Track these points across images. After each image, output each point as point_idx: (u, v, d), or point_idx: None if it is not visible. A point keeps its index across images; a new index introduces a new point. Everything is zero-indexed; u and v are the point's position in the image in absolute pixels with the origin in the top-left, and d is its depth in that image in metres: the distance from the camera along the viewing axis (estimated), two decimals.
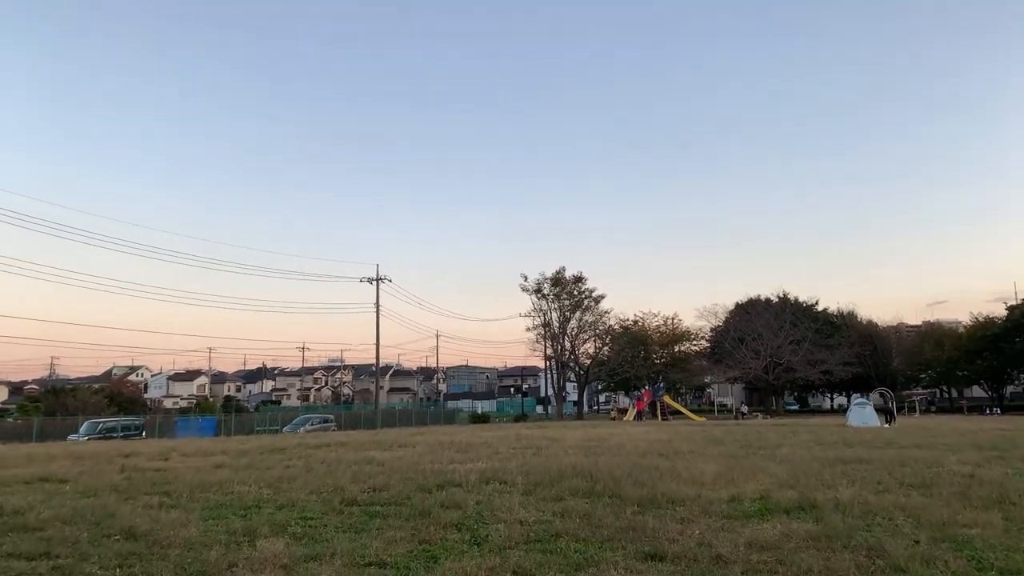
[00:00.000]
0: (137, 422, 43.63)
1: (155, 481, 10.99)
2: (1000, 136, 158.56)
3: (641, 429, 30.38)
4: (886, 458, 13.00)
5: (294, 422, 50.50)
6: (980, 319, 75.31)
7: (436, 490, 9.37)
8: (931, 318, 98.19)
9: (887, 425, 34.14)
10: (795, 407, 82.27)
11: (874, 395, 58.11)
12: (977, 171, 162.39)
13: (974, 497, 8.20)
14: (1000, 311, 73.83)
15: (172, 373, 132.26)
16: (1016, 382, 75.94)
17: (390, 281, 60.84)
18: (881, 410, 37.46)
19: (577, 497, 8.65)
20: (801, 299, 72.64)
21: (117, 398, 78.27)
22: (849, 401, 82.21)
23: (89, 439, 38.21)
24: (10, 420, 61.82)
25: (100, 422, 41.33)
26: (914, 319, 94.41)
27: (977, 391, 76.85)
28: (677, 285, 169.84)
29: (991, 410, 61.80)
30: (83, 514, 7.73)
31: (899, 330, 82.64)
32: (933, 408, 69.08)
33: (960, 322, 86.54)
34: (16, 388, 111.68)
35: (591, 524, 7.01)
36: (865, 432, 24.79)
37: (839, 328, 69.39)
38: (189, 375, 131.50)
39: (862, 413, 35.29)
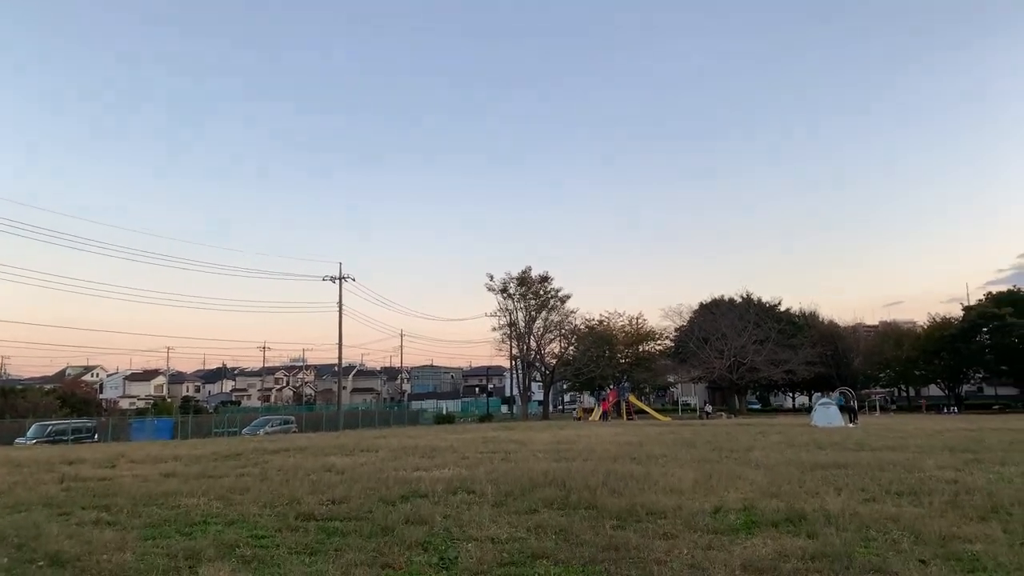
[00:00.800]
0: (89, 424, 42.15)
1: (96, 493, 10.21)
2: (955, 140, 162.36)
3: (609, 430, 30.01)
4: (863, 462, 12.69)
5: (253, 424, 49.27)
6: (937, 320, 76.77)
7: (400, 502, 8.76)
8: (888, 318, 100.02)
9: (851, 424, 34.30)
10: (757, 406, 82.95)
11: (836, 394, 58.89)
12: (932, 175, 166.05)
13: (966, 507, 7.83)
14: (955, 312, 75.38)
15: (129, 373, 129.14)
16: (971, 381, 77.54)
17: (353, 280, 59.87)
18: (844, 409, 37.68)
19: (551, 509, 8.10)
20: (764, 299, 73.23)
21: (70, 399, 75.70)
22: (811, 400, 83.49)
23: (37, 442, 36.77)
24: None
25: (49, 424, 39.78)
26: (871, 319, 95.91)
27: (934, 390, 78.27)
28: (642, 286, 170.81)
29: (948, 409, 62.86)
30: (5, 535, 6.98)
31: (857, 330, 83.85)
32: (893, 407, 70.07)
33: (916, 322, 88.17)
34: None
35: (569, 542, 6.46)
36: (832, 433, 24.73)
37: (801, 328, 70.06)
38: (146, 375, 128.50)
39: (826, 413, 35.41)
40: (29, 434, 37.97)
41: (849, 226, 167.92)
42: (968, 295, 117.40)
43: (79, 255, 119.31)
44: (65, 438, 38.07)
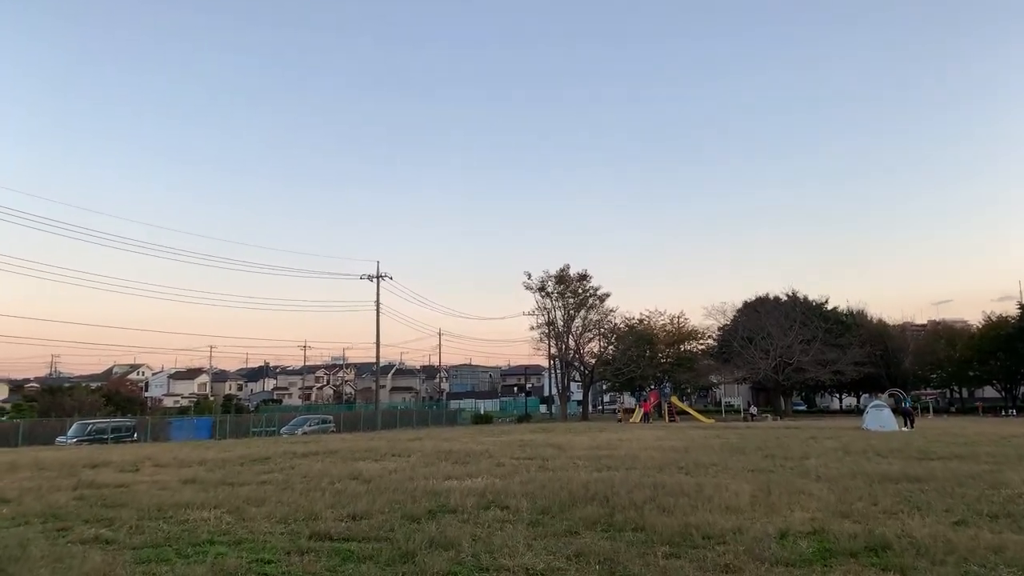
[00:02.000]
0: (129, 424, 42.20)
1: (106, 502, 9.60)
2: (1002, 134, 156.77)
3: (651, 433, 28.94)
4: (936, 474, 11.54)
5: (291, 423, 49.05)
6: (993, 318, 73.73)
7: (426, 519, 7.95)
8: (936, 317, 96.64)
9: (905, 428, 32.72)
10: (803, 408, 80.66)
11: (886, 396, 56.82)
12: (980, 169, 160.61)
13: None
14: (1010, 310, 72.29)
15: (173, 372, 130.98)
16: None
17: (391, 279, 59.33)
18: (900, 412, 36.02)
19: (594, 531, 7.21)
20: (811, 297, 71.02)
21: (115, 397, 76.75)
22: (859, 402, 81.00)
23: (78, 442, 36.88)
24: (2, 420, 60.51)
25: (90, 423, 39.89)
26: (919, 318, 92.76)
27: (988, 392, 75.28)
28: (683, 284, 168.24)
29: (1007, 411, 60.19)
30: None
31: (905, 329, 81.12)
32: (953, 408, 67.37)
33: (966, 321, 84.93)
34: (16, 386, 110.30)
35: (616, 574, 5.58)
36: (889, 438, 23.35)
37: (849, 327, 67.77)
38: (190, 373, 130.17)
39: (879, 416, 33.83)
40: (70, 433, 38.08)
41: (896, 223, 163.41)
42: (1021, 292, 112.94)
43: (127, 255, 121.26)
44: (105, 437, 38.11)
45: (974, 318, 77.95)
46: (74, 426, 39.13)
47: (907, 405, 39.02)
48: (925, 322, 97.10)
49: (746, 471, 12.76)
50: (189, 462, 15.77)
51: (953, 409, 66.82)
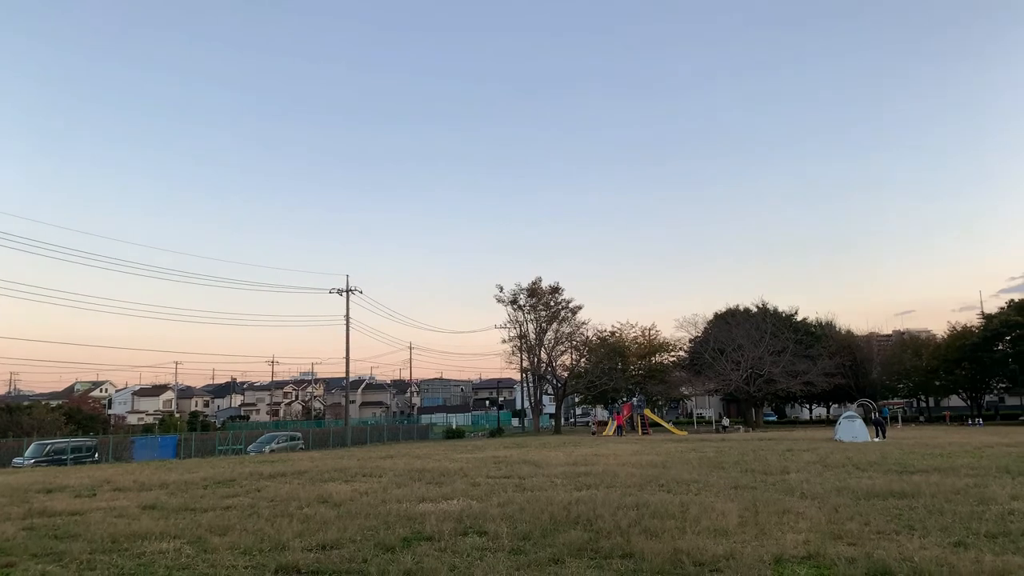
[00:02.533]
0: (89, 443, 40.73)
1: (58, 533, 8.99)
2: (967, 151, 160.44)
3: (626, 447, 28.64)
4: (921, 489, 11.32)
5: (259, 441, 47.81)
6: (958, 329, 74.87)
7: (401, 547, 7.49)
8: (900, 327, 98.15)
9: (877, 439, 32.80)
10: (773, 418, 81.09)
11: (855, 407, 57.22)
12: (943, 183, 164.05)
13: None
14: (970, 319, 73.56)
15: (137, 388, 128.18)
16: (993, 391, 75.50)
17: (360, 293, 58.53)
18: (871, 422, 36.13)
19: (580, 558, 6.82)
20: (781, 309, 71.48)
21: (76, 415, 74.42)
22: (829, 412, 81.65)
23: (35, 463, 35.54)
24: None
25: (48, 444, 38.43)
26: (884, 328, 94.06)
27: (954, 400, 76.29)
28: (654, 297, 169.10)
29: (973, 420, 60.94)
30: None
31: (871, 340, 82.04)
32: (921, 418, 68.00)
33: (930, 331, 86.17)
34: None
35: None
36: (865, 450, 23.28)
37: (819, 338, 68.24)
38: (155, 390, 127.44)
39: (851, 427, 33.92)
40: (27, 454, 36.61)
41: (859, 235, 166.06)
42: (982, 303, 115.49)
43: (87, 271, 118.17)
44: (64, 458, 36.76)
45: (937, 328, 79.37)
46: (32, 447, 37.67)
47: (884, 415, 39.26)
48: (890, 332, 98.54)
49: (728, 488, 12.47)
50: (150, 485, 15.08)
51: (922, 419, 67.49)
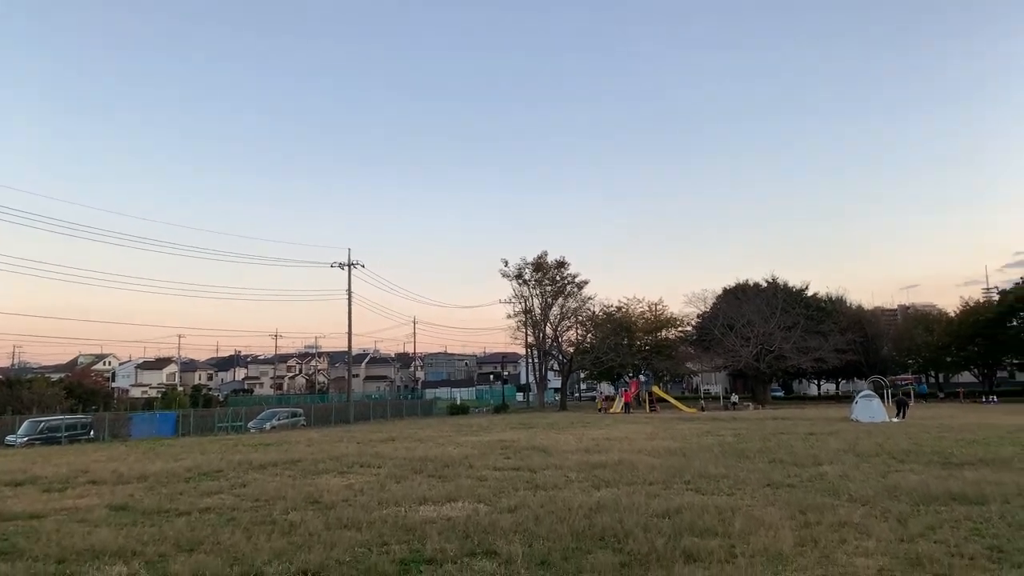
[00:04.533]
0: (85, 420, 39.68)
1: (3, 548, 7.78)
2: (971, 124, 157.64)
3: (638, 428, 27.51)
4: (984, 491, 10.02)
5: (260, 417, 46.86)
6: (971, 304, 73.47)
7: None
8: (905, 301, 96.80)
9: (896, 419, 31.59)
10: (780, 394, 79.91)
11: (867, 384, 55.96)
12: (948, 158, 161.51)
13: None
14: (975, 294, 72.15)
15: (141, 361, 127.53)
16: (1004, 367, 74.24)
17: (363, 266, 57.31)
18: (897, 403, 34.89)
19: None
20: (791, 284, 70.01)
21: (76, 390, 73.44)
22: (838, 388, 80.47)
23: (29, 441, 34.59)
24: None
25: (42, 421, 37.41)
26: (889, 303, 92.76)
27: (965, 377, 75.07)
28: (661, 272, 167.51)
29: (988, 398, 59.73)
30: None
31: (876, 315, 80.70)
32: (940, 395, 66.37)
33: (935, 305, 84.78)
34: None
35: None
36: (890, 433, 22.04)
37: (829, 314, 66.85)
38: (158, 363, 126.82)
39: (869, 407, 32.69)
40: (20, 432, 35.55)
41: (866, 209, 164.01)
42: (987, 277, 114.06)
43: (91, 245, 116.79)
44: (59, 436, 35.80)
45: (942, 302, 78.02)
46: (25, 424, 36.63)
47: (922, 391, 37.85)
48: (895, 307, 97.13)
49: (763, 486, 11.24)
50: (129, 477, 13.90)
51: (941, 395, 66.08)
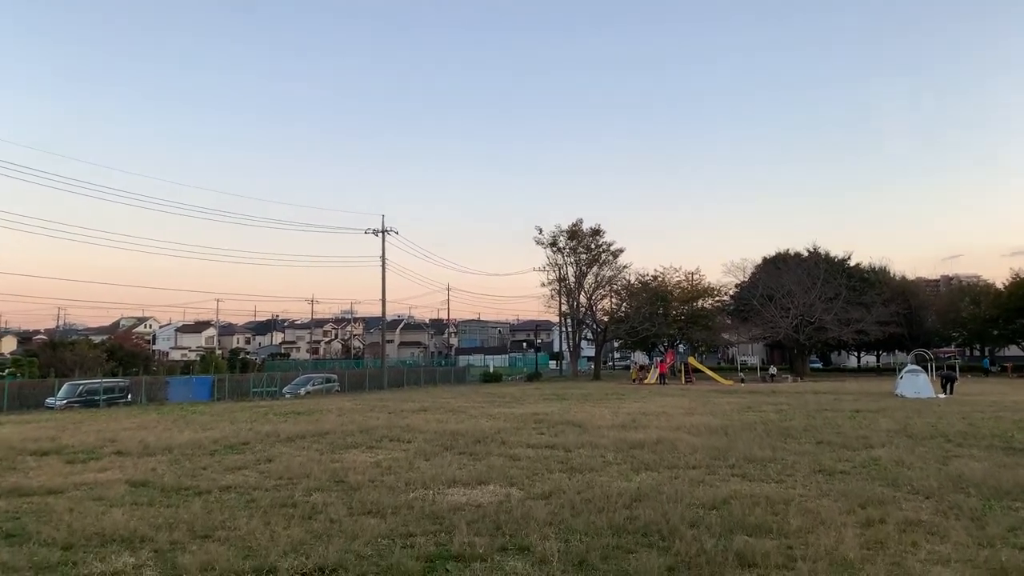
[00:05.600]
0: (123, 384, 40.11)
1: (11, 530, 7.42)
2: (1011, 87, 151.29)
3: (675, 402, 26.82)
4: None
5: (295, 382, 47.08)
6: (1022, 276, 71.01)
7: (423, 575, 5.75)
8: (948, 272, 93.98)
9: (942, 395, 30.44)
10: (818, 366, 78.31)
11: (912, 357, 54.41)
12: (989, 124, 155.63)
13: None
14: (1022, 264, 69.37)
15: (180, 325, 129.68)
16: None
17: (396, 233, 56.96)
18: (944, 378, 33.64)
19: None
20: (832, 254, 68.05)
21: (118, 352, 74.64)
22: (879, 360, 78.57)
23: (68, 403, 35.03)
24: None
25: (81, 384, 37.87)
26: (931, 274, 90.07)
27: (1012, 351, 72.68)
28: (699, 240, 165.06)
29: None
30: None
31: (921, 286, 78.31)
32: (996, 368, 63.62)
33: (980, 277, 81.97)
34: (24, 338, 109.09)
35: None
36: (943, 413, 21.00)
37: (872, 284, 64.92)
38: (197, 327, 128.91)
39: (915, 382, 31.50)
40: (60, 395, 36.01)
41: (907, 177, 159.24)
42: None
43: (134, 211, 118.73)
44: (97, 399, 36.21)
45: (987, 273, 75.48)
46: (65, 387, 37.09)
47: (983, 363, 36.18)
48: (938, 277, 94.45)
49: (814, 472, 10.53)
50: (155, 448, 13.64)
51: (996, 369, 63.58)
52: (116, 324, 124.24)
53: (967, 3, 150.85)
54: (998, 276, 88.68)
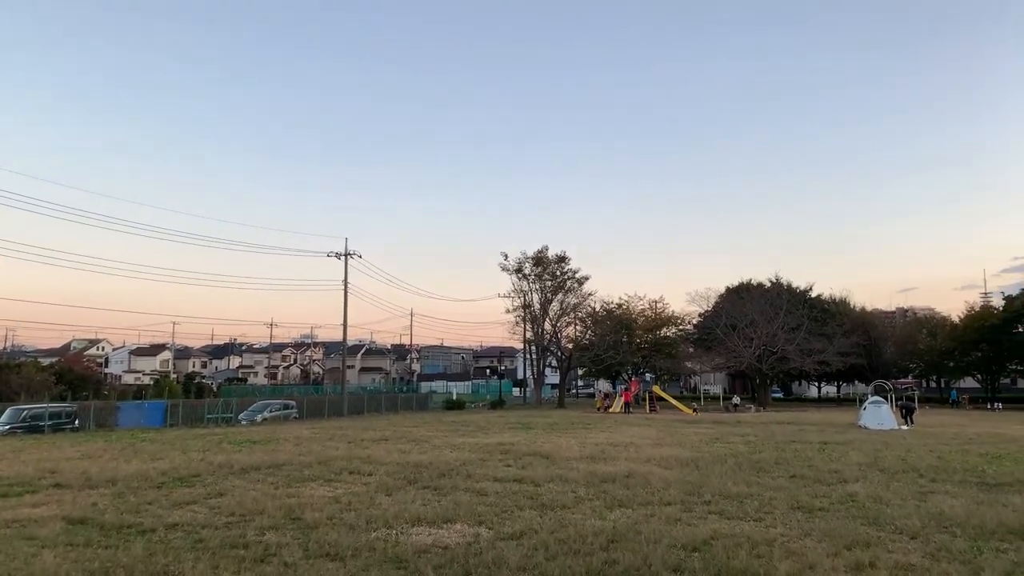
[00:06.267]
0: (69, 409, 38.45)
1: None
2: (968, 126, 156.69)
3: (642, 432, 26.45)
4: None
5: (251, 409, 45.67)
6: (976, 309, 72.56)
7: None
8: (904, 304, 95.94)
9: (904, 427, 30.61)
10: (780, 395, 78.92)
11: (872, 389, 54.94)
12: (945, 160, 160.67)
13: None
14: (973, 298, 71.21)
15: (135, 347, 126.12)
16: (1008, 374, 73.25)
17: (359, 257, 56.09)
18: (903, 408, 33.91)
19: None
20: (795, 284, 68.85)
21: (67, 375, 71.94)
22: (839, 391, 79.42)
23: (10, 429, 33.42)
24: None
25: (25, 409, 36.18)
26: (888, 305, 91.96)
27: (967, 382, 74.06)
28: (662, 269, 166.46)
29: (992, 404, 58.80)
30: None
31: (876, 317, 79.73)
32: (966, 399, 64.14)
33: (934, 309, 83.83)
34: None
35: None
36: (909, 445, 20.94)
37: (833, 315, 65.75)
38: (152, 350, 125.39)
39: (877, 413, 31.70)
40: (2, 419, 34.29)
41: (865, 211, 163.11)
42: (985, 282, 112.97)
43: (88, 231, 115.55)
44: (42, 425, 34.63)
45: (940, 306, 77.22)
46: (7, 412, 35.38)
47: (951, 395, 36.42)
48: (894, 309, 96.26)
49: (792, 509, 10.17)
50: (98, 481, 12.80)
51: (968, 398, 64.25)
52: (67, 346, 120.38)
53: (932, 39, 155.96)
54: (951, 309, 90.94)
